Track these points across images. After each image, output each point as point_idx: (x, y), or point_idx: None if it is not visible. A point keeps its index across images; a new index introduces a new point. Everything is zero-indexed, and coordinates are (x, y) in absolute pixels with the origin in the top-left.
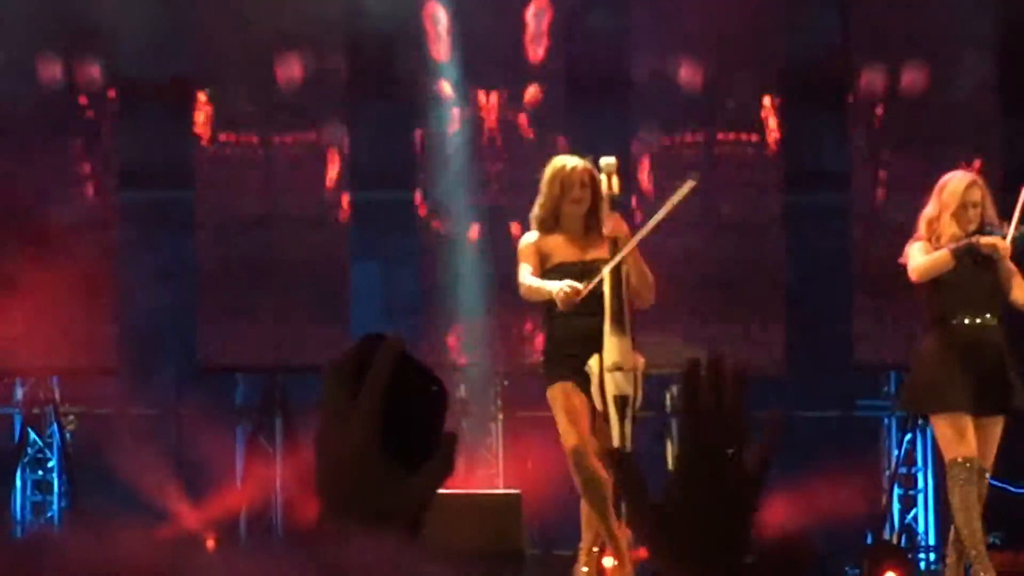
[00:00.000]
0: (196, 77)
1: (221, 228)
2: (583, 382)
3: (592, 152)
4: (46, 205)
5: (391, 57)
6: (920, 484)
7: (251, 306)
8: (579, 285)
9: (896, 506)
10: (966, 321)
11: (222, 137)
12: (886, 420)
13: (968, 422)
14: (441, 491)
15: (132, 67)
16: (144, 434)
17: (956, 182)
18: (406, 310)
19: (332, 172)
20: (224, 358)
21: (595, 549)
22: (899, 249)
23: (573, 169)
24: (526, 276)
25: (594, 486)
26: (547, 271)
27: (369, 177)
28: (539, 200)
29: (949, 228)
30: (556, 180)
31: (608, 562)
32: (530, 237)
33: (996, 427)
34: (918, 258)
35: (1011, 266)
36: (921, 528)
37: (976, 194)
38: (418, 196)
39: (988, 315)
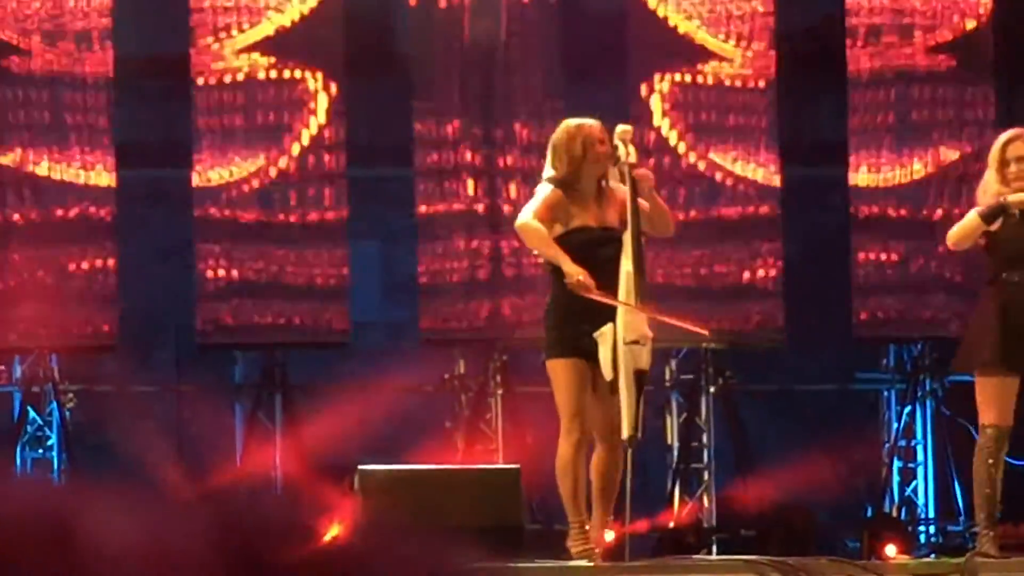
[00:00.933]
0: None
1: (219, 206)
2: (590, 356)
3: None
4: (45, 183)
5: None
6: (920, 457)
7: (250, 284)
8: (592, 285)
9: (896, 479)
10: (1012, 278)
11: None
12: (885, 393)
13: (1008, 384)
14: (441, 466)
15: (129, 44)
16: (144, 412)
17: (998, 139)
18: (406, 287)
19: (331, 148)
20: (223, 336)
21: (587, 528)
22: (897, 221)
23: (592, 128)
24: (540, 225)
25: (581, 474)
26: (570, 232)
27: (367, 154)
28: (556, 163)
29: (992, 187)
30: (576, 140)
31: (608, 536)
32: (550, 192)
33: None
34: (954, 226)
35: None
36: (921, 501)
37: (1019, 149)
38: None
39: None
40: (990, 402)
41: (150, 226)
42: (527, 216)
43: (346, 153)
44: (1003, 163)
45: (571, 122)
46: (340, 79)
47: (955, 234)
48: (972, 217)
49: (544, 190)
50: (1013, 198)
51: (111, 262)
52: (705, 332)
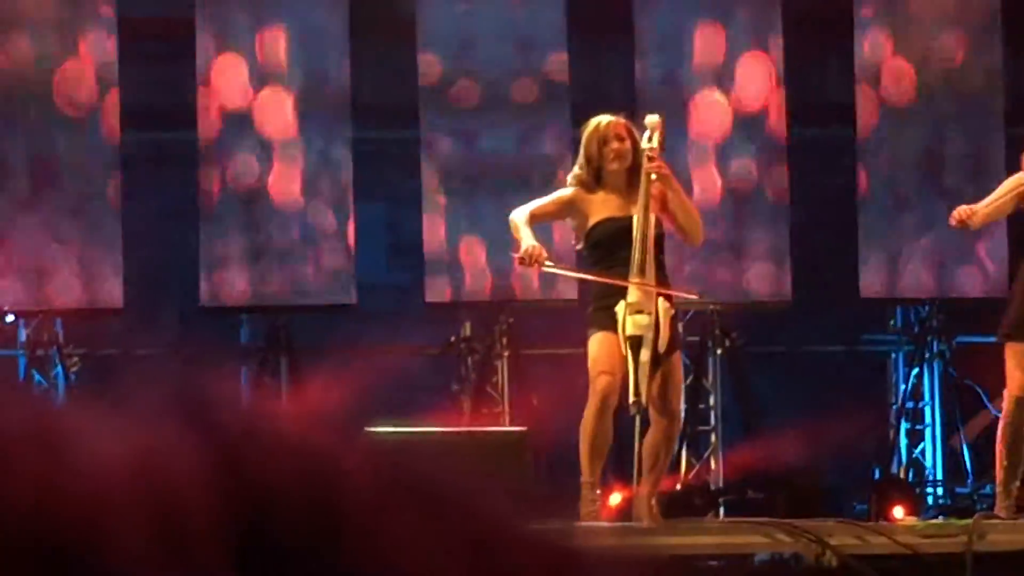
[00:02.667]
0: (198, 16)
1: (226, 168)
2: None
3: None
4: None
5: None
6: (927, 419)
7: (255, 246)
8: (543, 255)
9: (903, 441)
10: None
11: (224, 81)
12: (893, 354)
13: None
14: (447, 429)
15: (134, 6)
16: (148, 374)
17: None
18: (410, 251)
19: (335, 113)
20: (228, 298)
21: (598, 492)
22: (903, 182)
23: (608, 124)
24: (523, 213)
25: (600, 436)
26: (595, 226)
27: (371, 116)
28: (579, 160)
29: None
30: (593, 139)
31: (615, 498)
32: (566, 191)
33: None
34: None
35: None
36: (929, 463)
37: None
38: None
39: None
40: (1013, 370)
41: (156, 188)
42: (519, 209)
43: (351, 114)
44: None
45: (593, 120)
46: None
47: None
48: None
49: (560, 191)
50: None
51: (116, 225)
52: (694, 296)
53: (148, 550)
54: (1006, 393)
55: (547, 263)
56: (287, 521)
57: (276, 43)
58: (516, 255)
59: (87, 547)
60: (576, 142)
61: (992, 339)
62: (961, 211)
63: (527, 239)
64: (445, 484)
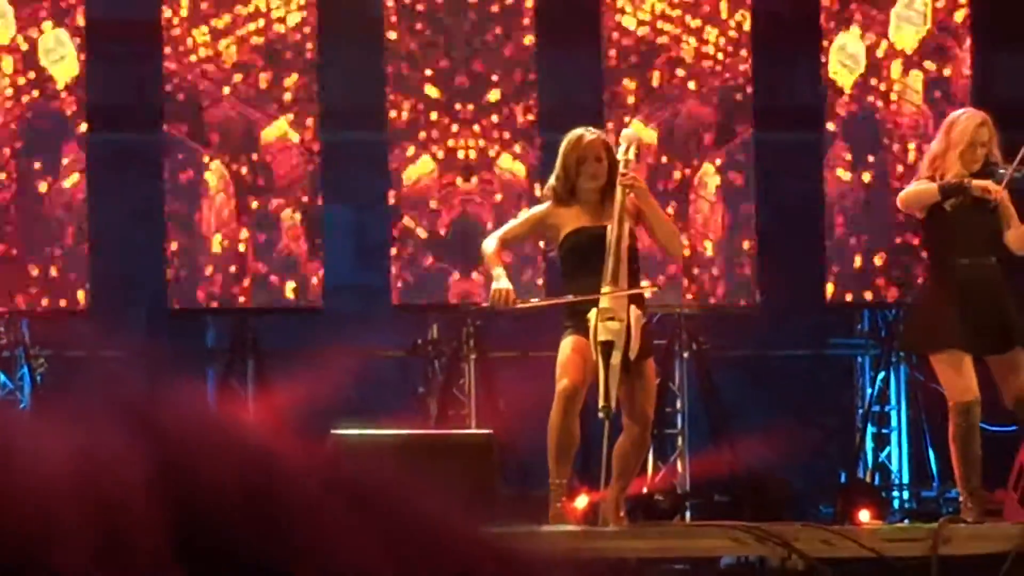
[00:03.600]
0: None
1: (191, 170)
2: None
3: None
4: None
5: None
6: (893, 422)
7: (222, 248)
8: (512, 299)
9: (869, 444)
10: (964, 261)
11: (192, 79)
12: (859, 358)
13: (965, 360)
14: (413, 432)
15: (99, 7)
16: (114, 376)
17: (966, 120)
18: (378, 252)
19: (304, 114)
20: (194, 300)
21: (559, 490)
22: (872, 186)
23: (590, 142)
24: (493, 241)
25: (567, 438)
26: (567, 236)
27: (340, 118)
28: (555, 172)
29: (954, 167)
30: (572, 154)
31: (582, 501)
32: (540, 208)
33: (1018, 357)
34: (909, 188)
35: (1010, 208)
36: (895, 467)
37: (985, 134)
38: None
39: (986, 256)
40: (955, 380)
41: (122, 190)
42: (491, 237)
43: (318, 117)
44: (971, 145)
45: (575, 133)
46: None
47: (909, 196)
48: (931, 189)
49: (534, 209)
50: (977, 183)
51: (83, 226)
52: (649, 289)
53: (92, 557)
54: (952, 404)
55: (518, 303)
56: (228, 523)
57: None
58: (485, 303)
59: (30, 556)
60: (547, 148)
61: None
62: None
63: (496, 282)
64: (390, 485)
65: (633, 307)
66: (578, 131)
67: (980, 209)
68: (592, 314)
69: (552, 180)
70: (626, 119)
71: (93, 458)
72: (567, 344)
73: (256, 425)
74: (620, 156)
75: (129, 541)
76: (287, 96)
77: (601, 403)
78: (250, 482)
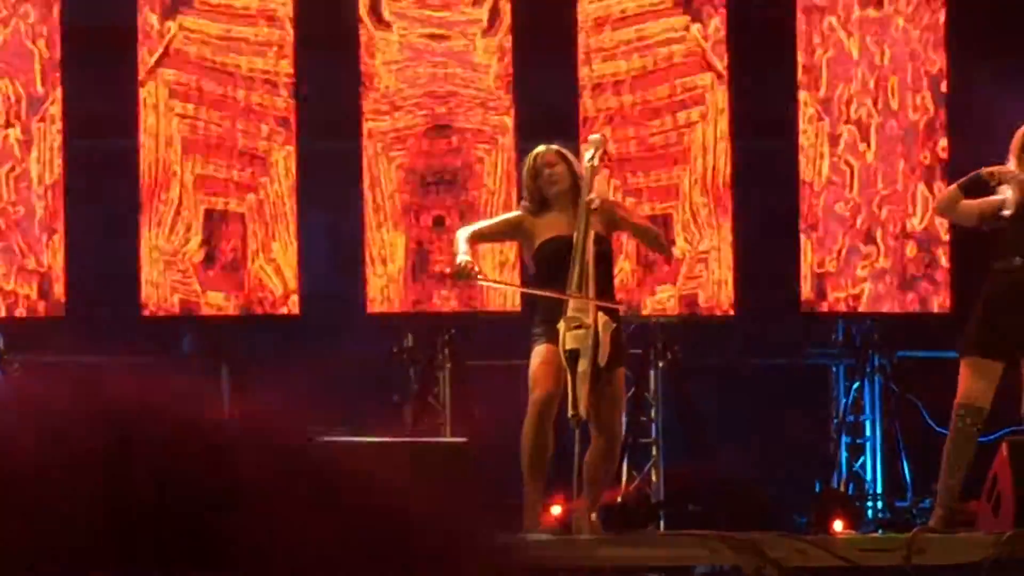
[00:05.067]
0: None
1: (165, 177)
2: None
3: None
4: None
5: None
6: (868, 432)
7: (198, 254)
8: (474, 270)
9: (844, 454)
10: (1000, 267)
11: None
12: (834, 368)
13: (985, 367)
14: (388, 439)
15: (77, 13)
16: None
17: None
18: (353, 260)
19: (281, 121)
20: (170, 306)
21: (534, 500)
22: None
23: (537, 156)
24: (465, 231)
25: (540, 448)
26: (540, 246)
27: (316, 126)
28: (524, 190)
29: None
30: (528, 173)
31: (556, 510)
32: (514, 213)
33: None
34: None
35: None
36: (869, 476)
37: None
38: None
39: (1018, 258)
40: (964, 382)
41: (99, 195)
42: (465, 228)
43: (295, 124)
44: (1022, 147)
45: (529, 155)
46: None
47: (937, 204)
48: (951, 189)
49: (509, 213)
50: (987, 169)
51: (60, 231)
52: (620, 307)
53: (45, 524)
54: (955, 403)
55: (479, 277)
56: (180, 497)
57: None
58: (448, 270)
59: None
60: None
61: (933, 354)
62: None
63: (460, 254)
64: (345, 475)
65: (600, 314)
66: (534, 150)
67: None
68: (562, 322)
69: (524, 201)
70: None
71: (51, 430)
72: (537, 353)
73: (216, 409)
74: (587, 162)
75: (78, 514)
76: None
77: (571, 411)
78: (205, 462)
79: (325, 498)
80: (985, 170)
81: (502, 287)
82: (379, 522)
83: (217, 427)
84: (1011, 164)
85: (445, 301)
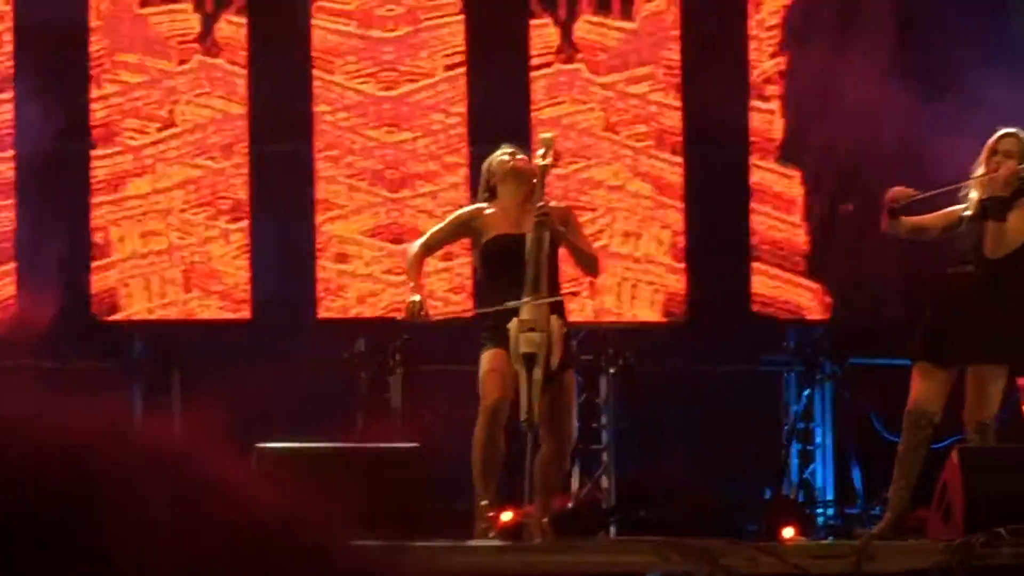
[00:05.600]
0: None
1: (118, 183)
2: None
3: None
4: None
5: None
6: (818, 439)
7: (148, 260)
8: (423, 312)
9: (795, 461)
10: (952, 271)
11: (119, 92)
12: (786, 375)
13: (935, 374)
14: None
15: (29, 16)
16: (41, 389)
17: (996, 134)
18: (304, 265)
19: (233, 124)
20: (120, 312)
21: (485, 506)
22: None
23: (504, 150)
24: (416, 249)
25: (491, 454)
26: (487, 243)
27: (267, 130)
28: (479, 189)
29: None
30: (490, 163)
31: (507, 516)
32: (460, 212)
33: (981, 376)
34: None
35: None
36: (819, 483)
37: (1011, 143)
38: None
39: (968, 265)
40: (914, 389)
41: (49, 199)
42: (415, 243)
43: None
44: (992, 151)
45: (494, 156)
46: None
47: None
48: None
49: (455, 213)
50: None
51: (9, 235)
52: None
53: None
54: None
55: (430, 316)
56: (41, 502)
57: None
58: (399, 316)
59: None
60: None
61: (884, 361)
62: (897, 190)
63: (412, 293)
64: (212, 476)
65: (554, 317)
66: (498, 153)
67: (982, 218)
68: (512, 325)
69: (479, 192)
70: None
71: None
72: (487, 358)
73: (81, 416)
74: (538, 161)
75: None
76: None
77: (524, 416)
78: (65, 468)
79: (182, 508)
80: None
81: (458, 316)
82: (238, 532)
83: (76, 441)
84: (978, 172)
85: (396, 306)
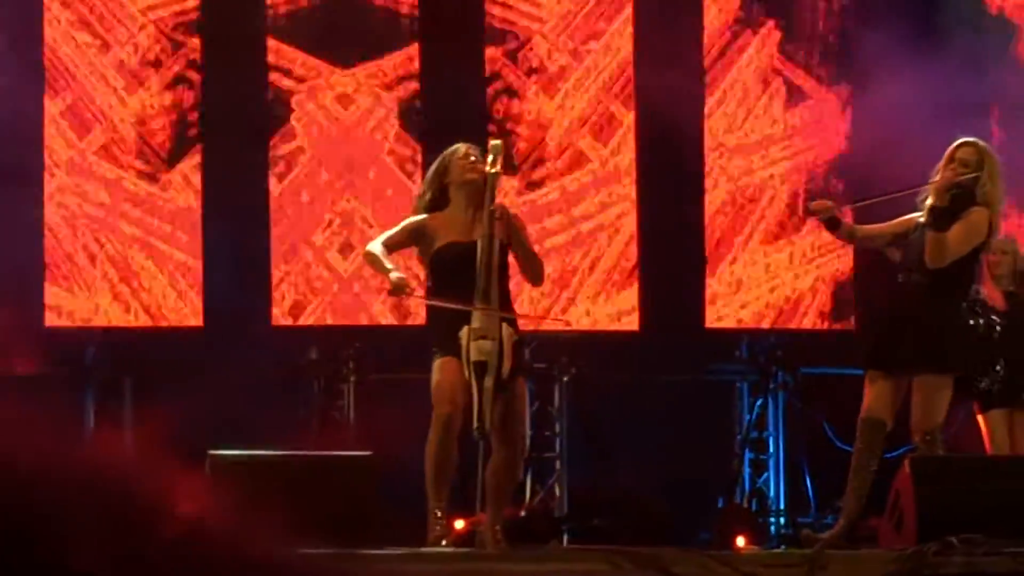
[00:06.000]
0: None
1: (72, 190)
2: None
3: None
4: None
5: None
6: (771, 449)
7: (100, 267)
8: (412, 285)
9: (747, 470)
10: (901, 280)
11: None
12: (738, 385)
13: (886, 382)
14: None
15: None
16: None
17: (956, 142)
18: (258, 270)
19: (185, 128)
20: (72, 319)
21: (438, 514)
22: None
23: (459, 147)
24: (377, 245)
25: (444, 462)
26: (438, 250)
27: (222, 134)
28: (426, 182)
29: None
30: (443, 161)
31: (459, 524)
32: (413, 219)
33: (924, 386)
34: None
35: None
36: (772, 492)
37: (967, 152)
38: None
39: (915, 274)
40: (866, 397)
41: (1, 205)
42: (373, 242)
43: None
44: (949, 159)
45: (450, 148)
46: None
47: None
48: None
49: (407, 220)
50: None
51: None
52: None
53: None
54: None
55: (416, 292)
56: None
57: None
58: (387, 288)
59: None
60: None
61: (836, 370)
62: (815, 205)
63: (394, 271)
64: (156, 491)
65: (505, 325)
66: (454, 146)
67: (926, 228)
68: (464, 333)
69: (424, 191)
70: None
71: None
72: (439, 367)
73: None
74: (488, 168)
75: None
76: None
77: (475, 424)
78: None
79: (124, 524)
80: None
81: (436, 304)
82: (182, 547)
83: (16, 456)
84: (937, 177)
85: (349, 314)
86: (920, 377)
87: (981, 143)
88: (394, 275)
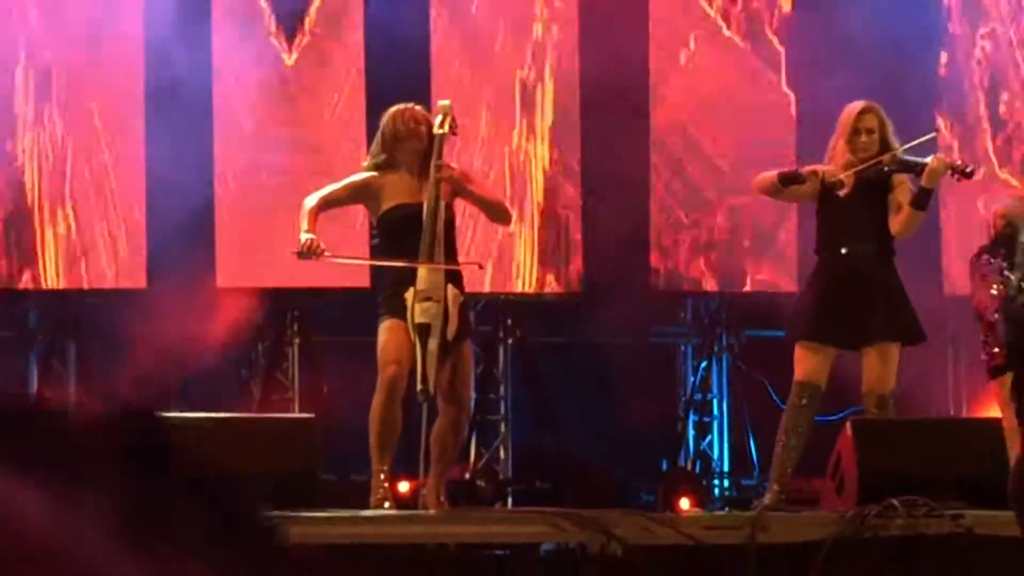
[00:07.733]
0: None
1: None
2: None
3: None
4: None
5: None
6: (715, 411)
7: (48, 228)
8: (319, 247)
9: (691, 433)
10: (842, 251)
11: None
12: (682, 347)
13: (818, 350)
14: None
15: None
16: None
17: (850, 108)
18: (201, 232)
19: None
20: (14, 280)
21: (381, 476)
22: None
23: (407, 108)
24: (312, 200)
25: (389, 424)
26: (386, 212)
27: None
28: (374, 147)
29: (842, 155)
30: (393, 121)
31: (403, 486)
32: (359, 176)
33: (883, 353)
34: (761, 176)
35: (900, 197)
36: (716, 454)
37: (870, 120)
38: None
39: (863, 244)
40: (801, 362)
41: None
42: (312, 196)
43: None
44: (855, 131)
45: (393, 108)
46: None
47: (754, 183)
48: (772, 175)
49: (353, 176)
50: (809, 168)
51: None
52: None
53: None
54: (793, 383)
55: (327, 254)
56: None
57: None
58: (293, 250)
59: None
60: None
61: (780, 333)
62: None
63: (304, 232)
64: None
65: (450, 286)
66: (397, 105)
67: (864, 197)
68: (409, 295)
69: (374, 149)
70: None
71: None
72: (385, 329)
73: None
74: (436, 129)
75: None
76: None
77: (420, 386)
78: None
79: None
80: (807, 169)
81: (352, 263)
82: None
83: None
84: (839, 142)
85: (294, 276)
86: (884, 344)
87: (876, 104)
88: (304, 236)
